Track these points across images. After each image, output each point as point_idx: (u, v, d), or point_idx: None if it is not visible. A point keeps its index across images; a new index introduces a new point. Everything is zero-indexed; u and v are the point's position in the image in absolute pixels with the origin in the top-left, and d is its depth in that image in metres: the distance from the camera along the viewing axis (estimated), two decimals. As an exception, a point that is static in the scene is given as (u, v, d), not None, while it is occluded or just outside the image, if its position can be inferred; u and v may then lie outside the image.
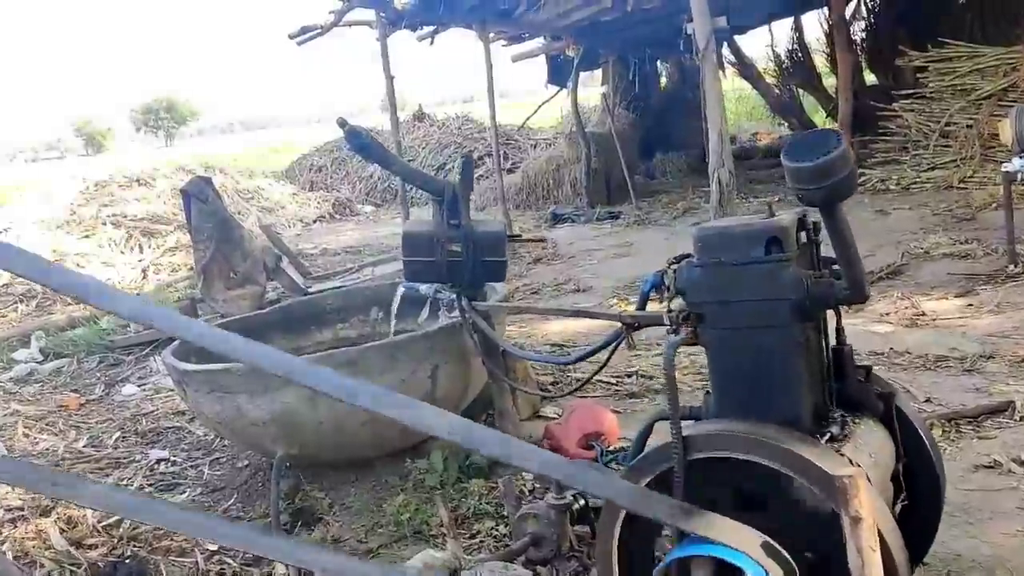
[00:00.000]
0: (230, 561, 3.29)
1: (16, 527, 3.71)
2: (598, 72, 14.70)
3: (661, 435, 2.29)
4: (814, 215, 2.10)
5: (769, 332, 2.05)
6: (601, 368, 2.75)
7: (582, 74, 13.39)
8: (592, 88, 16.75)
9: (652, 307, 2.42)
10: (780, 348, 2.06)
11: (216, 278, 6.57)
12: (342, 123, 3.28)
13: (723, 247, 2.08)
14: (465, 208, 3.51)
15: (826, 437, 2.06)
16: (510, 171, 14.75)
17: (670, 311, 2.14)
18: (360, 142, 3.30)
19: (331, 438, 3.63)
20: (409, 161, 13.94)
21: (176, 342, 4.01)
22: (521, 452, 1.77)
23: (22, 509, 3.91)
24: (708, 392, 2.21)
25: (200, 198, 6.43)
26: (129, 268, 10.81)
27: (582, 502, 2.67)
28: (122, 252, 11.23)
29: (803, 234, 2.12)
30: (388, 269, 8.67)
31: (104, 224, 11.76)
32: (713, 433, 2.01)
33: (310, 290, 7.46)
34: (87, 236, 11.44)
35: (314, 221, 15.81)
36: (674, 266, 2.17)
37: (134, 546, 3.44)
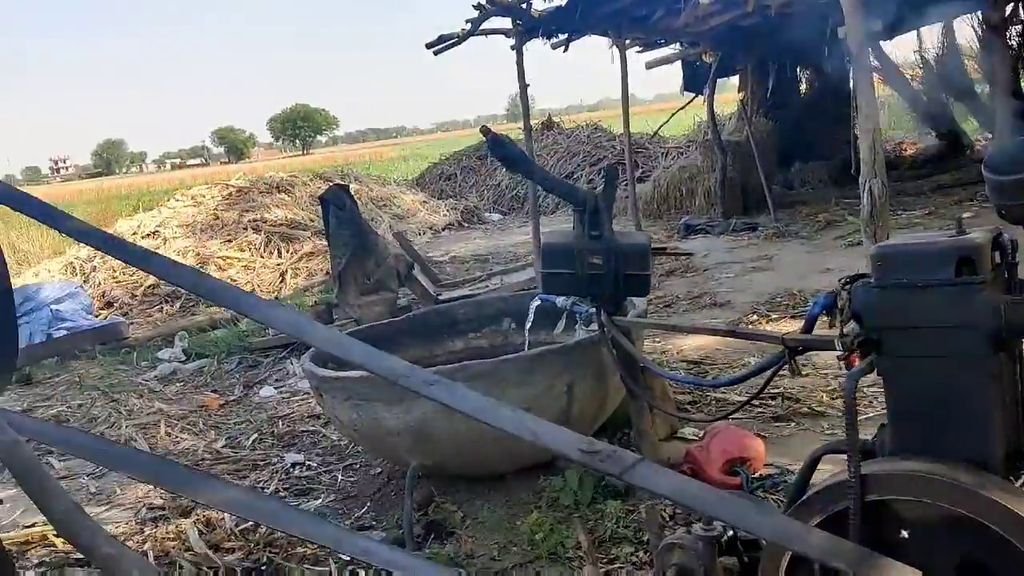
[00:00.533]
0: (362, 572, 3.26)
1: (157, 527, 3.80)
2: (735, 79, 14.30)
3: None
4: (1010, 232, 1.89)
5: (958, 362, 1.84)
6: (758, 394, 2.56)
7: (718, 80, 13.01)
8: (728, 94, 16.36)
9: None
10: (970, 380, 1.85)
11: (351, 284, 6.67)
12: (485, 131, 3.22)
13: (906, 267, 1.89)
14: (608, 220, 3.38)
15: (1021, 481, 1.85)
16: (640, 180, 14.50)
17: (843, 336, 1.95)
18: (504, 151, 3.21)
19: (467, 451, 3.56)
20: (539, 169, 13.88)
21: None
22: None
23: (163, 508, 4.01)
24: (883, 425, 2.02)
25: (338, 205, 6.56)
26: (268, 272, 11.17)
27: (730, 533, 2.51)
28: (261, 256, 11.61)
29: (998, 254, 1.91)
30: (517, 278, 8.64)
31: (245, 229, 12.19)
32: (896, 473, 1.82)
33: (440, 297, 7.50)
34: (229, 240, 11.88)
35: (443, 228, 15.97)
36: (848, 287, 1.99)
37: (270, 552, 3.45)
